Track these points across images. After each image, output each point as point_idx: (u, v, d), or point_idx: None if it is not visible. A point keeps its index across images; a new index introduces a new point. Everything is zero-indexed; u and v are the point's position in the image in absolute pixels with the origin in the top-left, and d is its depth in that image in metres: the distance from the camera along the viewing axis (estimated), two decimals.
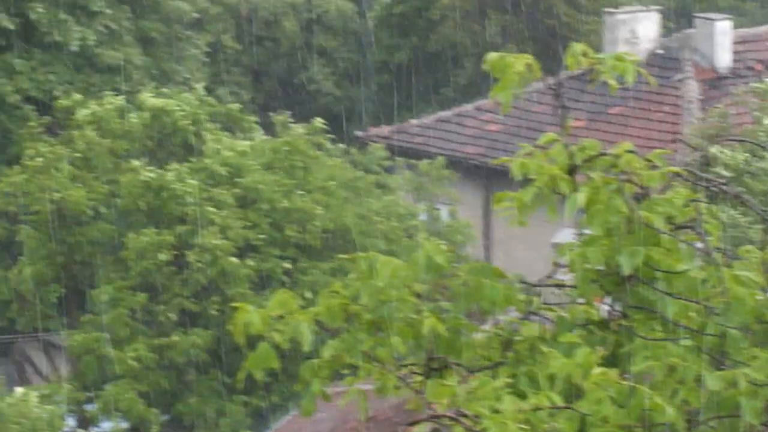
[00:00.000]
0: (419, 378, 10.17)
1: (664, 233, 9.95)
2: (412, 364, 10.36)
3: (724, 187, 10.84)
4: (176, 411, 39.74)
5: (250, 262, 39.35)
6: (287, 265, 39.79)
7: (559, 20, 66.47)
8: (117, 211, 41.79)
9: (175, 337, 39.49)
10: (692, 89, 50.39)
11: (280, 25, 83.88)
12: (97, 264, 42.09)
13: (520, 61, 10.49)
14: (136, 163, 42.55)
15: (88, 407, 40.97)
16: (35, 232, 43.13)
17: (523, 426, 9.10)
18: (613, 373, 9.29)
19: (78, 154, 43.61)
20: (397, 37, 76.85)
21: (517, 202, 10.36)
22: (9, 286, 44.95)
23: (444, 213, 46.23)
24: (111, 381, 40.36)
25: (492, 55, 10.54)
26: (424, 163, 47.37)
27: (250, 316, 10.16)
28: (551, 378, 9.51)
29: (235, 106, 50.80)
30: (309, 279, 36.78)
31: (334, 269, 36.81)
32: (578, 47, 11.12)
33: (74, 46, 67.21)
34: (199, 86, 62.00)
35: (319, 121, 46.63)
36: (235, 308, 10.29)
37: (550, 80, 10.75)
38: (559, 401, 9.12)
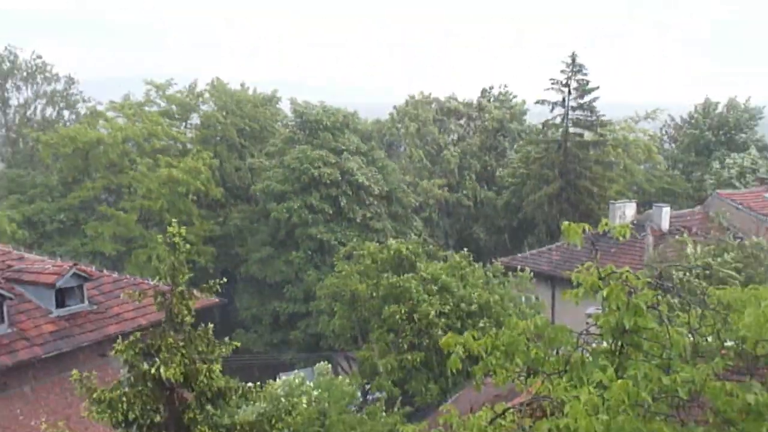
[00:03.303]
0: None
1: (643, 308, 11.23)
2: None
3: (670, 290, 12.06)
4: (407, 388, 39.56)
5: (443, 320, 39.28)
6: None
7: (590, 207, 66.66)
8: (380, 295, 41.25)
9: (407, 355, 38.99)
10: (650, 240, 49.80)
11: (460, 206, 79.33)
12: (370, 320, 42.38)
13: (579, 227, 11.45)
14: (385, 275, 41.63)
15: (367, 387, 41.47)
16: (341, 305, 43.17)
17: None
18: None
19: (361, 269, 44.08)
20: (508, 215, 74.83)
21: (573, 294, 11.36)
22: (329, 329, 45.56)
23: (532, 298, 46.38)
24: (376, 376, 39.93)
25: (565, 223, 11.56)
26: (523, 274, 46.55)
27: (452, 340, 11.51)
28: (589, 380, 10.39)
29: (435, 247, 50.61)
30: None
31: (483, 327, 35.97)
32: (605, 221, 12.51)
33: (358, 219, 66.39)
34: (420, 237, 62.43)
35: (464, 252, 45.17)
36: (446, 336, 11.70)
37: (589, 236, 11.70)
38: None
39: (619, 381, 9.87)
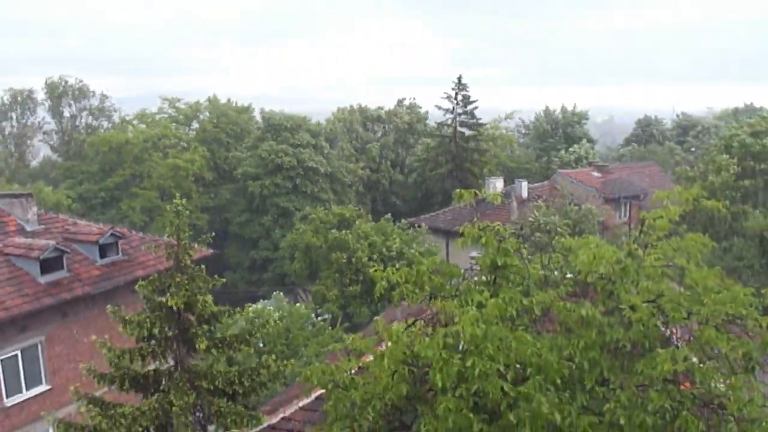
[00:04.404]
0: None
1: (510, 251, 11.00)
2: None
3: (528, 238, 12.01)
4: (348, 311, 39.31)
5: (372, 263, 38.08)
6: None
7: (472, 182, 66.25)
8: (327, 246, 41.14)
9: (348, 288, 38.84)
10: (514, 205, 49.69)
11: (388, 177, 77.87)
12: (321, 263, 41.88)
13: (470, 193, 11.32)
14: (333, 231, 41.18)
15: (318, 311, 40.65)
16: (301, 252, 42.58)
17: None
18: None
19: (313, 227, 43.45)
20: (415, 189, 74.17)
21: (462, 242, 11.27)
22: (292, 270, 45.49)
23: (431, 244, 45.82)
24: (325, 303, 39.67)
25: (458, 190, 11.43)
26: (420, 229, 45.19)
27: (378, 274, 10.92)
28: (473, 302, 10.02)
29: (363, 212, 50.17)
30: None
31: (399, 266, 36.54)
32: (483, 191, 11.98)
33: (309, 192, 66.74)
34: (351, 206, 61.94)
35: (387, 216, 44.79)
36: (374, 272, 11.07)
37: (475, 199, 11.49)
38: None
39: (493, 301, 9.80)
